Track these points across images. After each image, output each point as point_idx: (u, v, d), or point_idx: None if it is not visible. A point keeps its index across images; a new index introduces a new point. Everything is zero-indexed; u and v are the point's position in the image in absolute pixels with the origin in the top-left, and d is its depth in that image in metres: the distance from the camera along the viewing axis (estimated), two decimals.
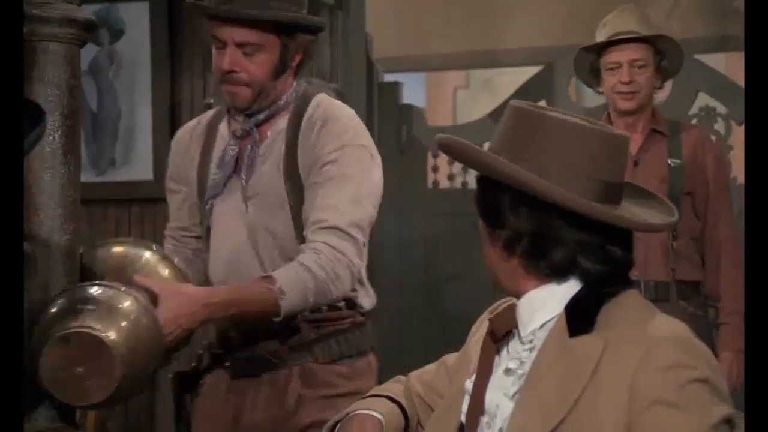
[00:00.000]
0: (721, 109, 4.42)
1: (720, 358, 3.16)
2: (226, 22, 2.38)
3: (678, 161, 3.21)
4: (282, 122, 2.47)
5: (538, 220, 1.58)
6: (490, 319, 1.71)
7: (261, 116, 2.48)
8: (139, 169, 4.28)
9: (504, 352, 1.68)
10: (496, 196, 1.60)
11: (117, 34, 4.32)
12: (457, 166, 4.83)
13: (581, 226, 1.57)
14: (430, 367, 1.88)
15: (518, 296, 1.67)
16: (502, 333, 1.67)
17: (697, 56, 4.54)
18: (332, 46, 4.12)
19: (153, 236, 4.22)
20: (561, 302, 1.61)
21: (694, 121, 4.35)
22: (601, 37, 3.24)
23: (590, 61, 3.28)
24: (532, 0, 5.29)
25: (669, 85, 4.40)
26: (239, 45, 2.39)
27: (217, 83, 2.53)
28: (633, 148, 3.24)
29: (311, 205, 2.38)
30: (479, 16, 5.52)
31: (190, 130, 2.66)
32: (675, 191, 3.17)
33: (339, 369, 2.43)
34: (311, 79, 2.69)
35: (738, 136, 4.36)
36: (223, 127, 2.58)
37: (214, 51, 2.46)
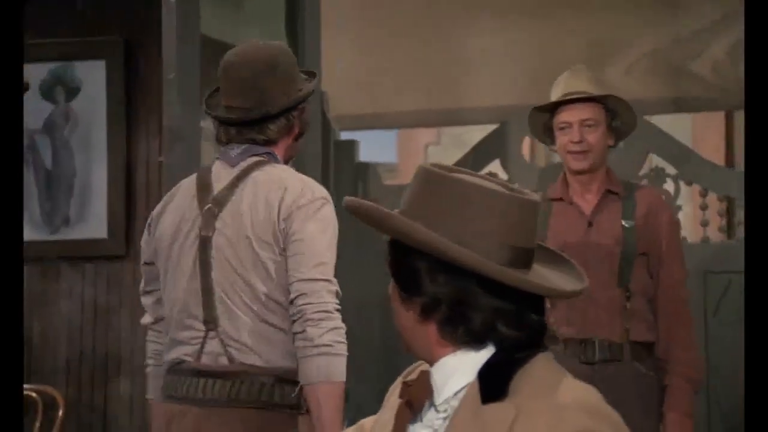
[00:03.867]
0: (671, 170, 4.51)
1: (666, 421, 3.13)
2: None
3: (632, 222, 3.20)
4: None
5: (456, 286, 1.56)
6: (404, 385, 1.67)
7: None
8: (93, 227, 4.26)
9: (418, 421, 1.64)
10: (412, 262, 1.58)
11: (73, 92, 4.33)
12: None
13: (498, 292, 1.55)
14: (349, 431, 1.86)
15: (431, 362, 1.63)
16: (421, 403, 1.63)
17: (651, 117, 4.60)
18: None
19: (106, 295, 4.21)
20: (475, 368, 1.58)
21: (644, 182, 4.40)
22: (553, 96, 3.26)
23: (543, 121, 3.28)
24: (492, 59, 5.38)
25: (620, 145, 4.49)
26: None
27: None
28: (587, 208, 3.24)
29: None
30: (440, 74, 5.59)
31: None
32: (629, 252, 3.17)
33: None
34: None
35: (685, 196, 4.42)
36: None
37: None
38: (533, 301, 1.60)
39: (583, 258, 3.04)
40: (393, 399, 1.71)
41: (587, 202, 3.24)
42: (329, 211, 2.53)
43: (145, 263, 2.69)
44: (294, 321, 2.47)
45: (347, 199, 1.64)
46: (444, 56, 5.35)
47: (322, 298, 2.45)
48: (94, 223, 4.27)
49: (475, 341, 1.58)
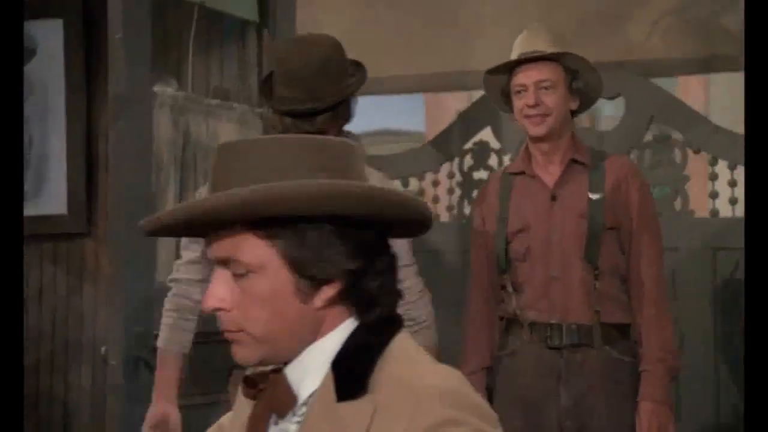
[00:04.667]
0: (677, 136, 4.14)
1: (639, 409, 2.93)
2: None
3: (600, 194, 2.99)
4: None
5: (356, 243, 1.38)
6: (249, 383, 1.46)
7: None
8: (51, 202, 3.95)
9: (273, 424, 1.46)
10: (309, 234, 1.38)
11: (28, 54, 3.98)
12: None
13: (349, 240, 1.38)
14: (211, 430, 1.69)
15: (291, 359, 1.44)
16: (287, 409, 1.43)
17: (682, 77, 4.21)
18: (259, 70, 3.81)
19: (66, 277, 3.90)
20: (329, 356, 1.42)
21: (647, 150, 4.06)
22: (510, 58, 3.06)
23: (501, 86, 3.09)
24: (500, 18, 4.98)
25: (621, 110, 4.13)
26: None
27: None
28: (550, 181, 3.04)
29: None
30: (441, 35, 5.21)
31: None
32: (596, 227, 2.96)
33: None
34: None
35: (694, 165, 4.09)
36: None
37: None
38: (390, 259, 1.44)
39: (547, 235, 2.96)
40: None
41: (550, 174, 3.05)
42: None
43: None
44: None
45: (144, 222, 1.44)
46: (473, 11, 4.94)
47: (413, 279, 2.88)
48: (52, 199, 3.95)
49: (368, 310, 1.42)
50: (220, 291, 1.41)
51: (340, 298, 1.41)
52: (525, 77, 3.01)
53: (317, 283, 1.39)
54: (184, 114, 3.56)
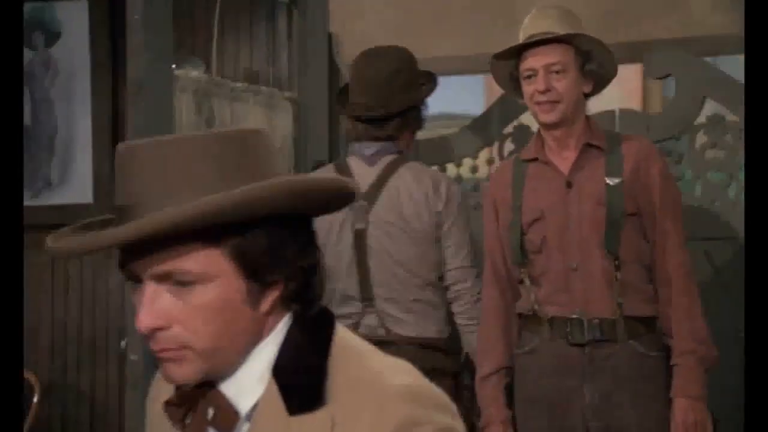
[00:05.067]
0: (732, 118, 3.90)
1: (673, 406, 2.77)
2: None
3: (618, 179, 2.83)
4: None
5: (299, 243, 1.31)
6: (173, 407, 1.34)
7: None
8: (77, 190, 3.85)
9: None
10: (256, 238, 1.28)
11: (53, 36, 3.89)
12: None
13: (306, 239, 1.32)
14: None
15: (226, 373, 1.33)
16: (230, 427, 1.31)
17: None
18: (290, 50, 3.67)
19: (92, 268, 3.78)
20: (269, 364, 1.32)
21: (701, 133, 3.83)
22: (518, 41, 2.90)
23: (509, 70, 2.94)
24: None
25: (671, 89, 3.91)
26: None
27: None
28: (565, 167, 2.88)
29: None
30: (490, 12, 4.97)
31: None
32: (615, 213, 2.80)
33: None
34: None
35: None
36: None
37: None
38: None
39: (563, 224, 2.83)
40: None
41: (565, 159, 2.89)
42: (465, 204, 3.14)
43: None
44: (452, 302, 3.08)
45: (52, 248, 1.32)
46: None
47: (472, 282, 3.04)
48: (78, 186, 3.84)
49: (310, 307, 1.34)
50: (157, 307, 1.28)
51: (282, 299, 1.32)
52: (534, 61, 2.85)
53: (266, 286, 1.30)
54: (208, 98, 3.44)
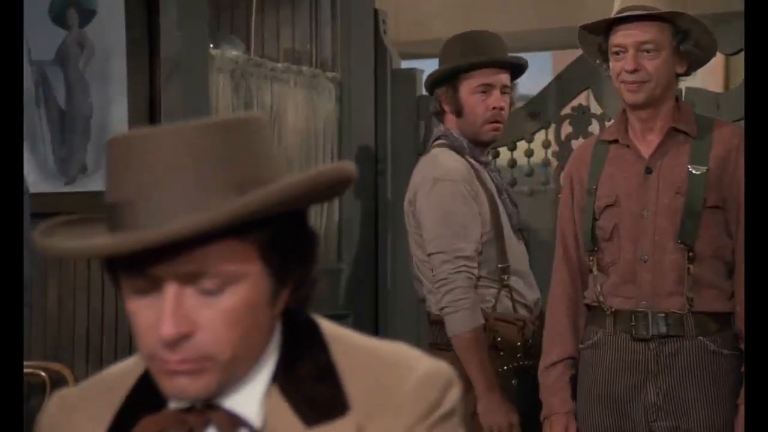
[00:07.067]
0: None
1: (739, 413, 2.66)
2: None
3: (703, 168, 2.69)
4: None
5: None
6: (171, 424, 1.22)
7: None
8: None
9: None
10: (281, 232, 1.19)
11: (88, 15, 3.75)
12: None
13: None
14: None
15: (230, 388, 1.21)
16: None
17: None
18: (333, 29, 3.52)
19: None
20: (270, 371, 1.23)
21: None
22: (612, 13, 2.75)
23: (598, 42, 2.79)
24: None
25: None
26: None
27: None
28: (646, 151, 2.75)
29: None
30: None
31: None
32: (694, 204, 2.68)
33: None
34: None
35: None
36: None
37: None
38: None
39: (638, 212, 2.71)
40: None
41: (647, 143, 2.76)
42: (441, 189, 3.02)
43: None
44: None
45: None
46: None
47: (438, 268, 2.99)
48: None
49: (307, 306, 1.26)
50: (184, 312, 1.15)
51: (288, 300, 1.23)
52: (624, 37, 2.71)
53: (284, 285, 1.21)
54: (246, 79, 3.29)
